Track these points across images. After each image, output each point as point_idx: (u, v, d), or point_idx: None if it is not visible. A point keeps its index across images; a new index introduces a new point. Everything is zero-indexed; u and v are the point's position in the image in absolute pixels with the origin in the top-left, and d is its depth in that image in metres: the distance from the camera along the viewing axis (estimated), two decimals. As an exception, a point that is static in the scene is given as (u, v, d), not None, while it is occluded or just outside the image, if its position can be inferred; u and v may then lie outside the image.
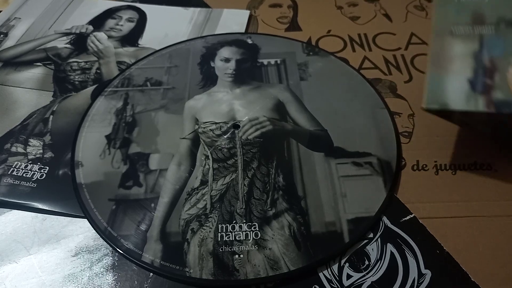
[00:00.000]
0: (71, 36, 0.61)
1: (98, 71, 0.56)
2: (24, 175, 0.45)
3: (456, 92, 0.37)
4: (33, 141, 0.48)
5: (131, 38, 0.61)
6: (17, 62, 0.57)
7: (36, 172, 0.45)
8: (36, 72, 0.56)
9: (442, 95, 0.37)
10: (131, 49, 0.59)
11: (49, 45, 0.60)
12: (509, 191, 0.43)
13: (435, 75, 0.38)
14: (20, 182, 0.44)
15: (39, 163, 0.46)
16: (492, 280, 0.37)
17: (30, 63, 0.57)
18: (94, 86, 0.54)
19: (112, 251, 0.39)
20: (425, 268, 0.38)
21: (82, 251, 0.40)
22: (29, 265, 0.39)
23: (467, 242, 0.40)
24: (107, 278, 0.38)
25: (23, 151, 0.47)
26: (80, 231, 0.41)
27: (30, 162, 0.46)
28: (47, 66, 0.57)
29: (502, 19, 0.37)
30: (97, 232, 0.40)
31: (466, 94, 0.36)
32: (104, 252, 0.39)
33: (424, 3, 0.68)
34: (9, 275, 0.38)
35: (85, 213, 0.41)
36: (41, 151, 0.47)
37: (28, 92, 0.54)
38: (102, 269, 0.38)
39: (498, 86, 0.36)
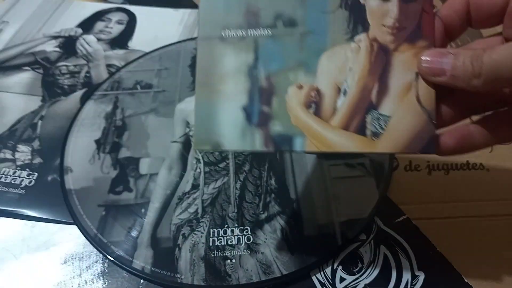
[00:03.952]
0: (60, 39, 0.60)
1: (87, 74, 0.55)
2: (12, 181, 0.44)
3: (231, 125, 0.29)
4: (21, 147, 0.47)
5: (121, 41, 0.60)
6: (5, 67, 0.56)
7: (24, 179, 0.44)
8: (24, 77, 0.55)
9: (214, 130, 0.29)
10: (120, 51, 0.58)
11: (37, 48, 0.59)
12: (502, 191, 0.43)
13: (204, 101, 0.29)
14: (8, 189, 0.43)
15: (27, 169, 0.45)
16: (485, 280, 0.37)
17: (18, 67, 0.56)
18: (84, 90, 0.53)
19: (102, 258, 0.39)
20: (419, 270, 0.38)
21: (71, 258, 0.39)
22: (18, 273, 0.38)
23: (460, 242, 0.40)
24: (97, 285, 0.37)
25: (11, 157, 0.46)
26: (69, 238, 0.40)
27: (19, 168, 0.45)
28: (36, 70, 0.56)
29: (279, 16, 0.29)
30: (87, 239, 0.40)
31: (241, 127, 0.29)
32: (94, 259, 0.39)
33: None
34: (-3, 284, 0.38)
35: (75, 220, 0.41)
36: (30, 157, 0.46)
37: (16, 97, 0.53)
38: (92, 277, 0.38)
39: (276, 115, 0.29)
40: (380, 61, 0.28)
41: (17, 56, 0.58)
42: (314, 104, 0.29)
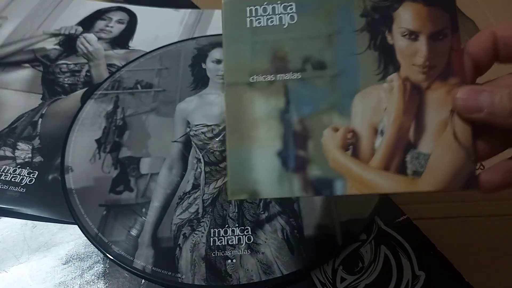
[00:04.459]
0: (60, 37, 0.60)
1: (88, 73, 0.55)
2: (12, 179, 0.44)
3: (266, 172, 0.29)
4: (21, 145, 0.47)
5: (122, 40, 0.60)
6: (4, 63, 0.56)
7: (25, 177, 0.44)
8: (24, 74, 0.55)
9: (249, 178, 0.29)
10: (121, 51, 0.58)
11: (37, 46, 0.59)
12: (502, 191, 0.43)
13: (236, 149, 0.29)
14: (8, 187, 0.43)
15: (28, 168, 0.45)
16: (485, 280, 0.37)
17: (17, 64, 0.56)
18: (84, 89, 0.53)
19: (103, 258, 0.39)
20: (419, 270, 0.38)
21: (73, 258, 0.39)
22: (19, 274, 0.38)
23: (460, 242, 0.40)
24: (98, 285, 0.37)
25: (11, 155, 0.46)
26: (70, 238, 0.40)
27: (19, 166, 0.45)
28: (36, 67, 0.56)
29: (308, 60, 0.29)
30: (88, 239, 0.40)
31: (278, 174, 0.29)
32: (95, 259, 0.39)
33: None
34: (-2, 284, 0.38)
35: (76, 219, 0.41)
36: (30, 155, 0.46)
37: (16, 94, 0.53)
38: (93, 277, 0.38)
39: (313, 159, 0.29)
40: (414, 100, 0.29)
41: (17, 53, 0.58)
42: (352, 146, 0.29)
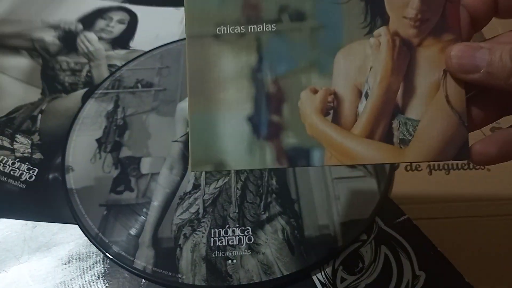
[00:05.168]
0: (60, 31, 0.59)
1: (88, 74, 0.55)
2: (11, 172, 0.44)
3: (235, 140, 0.25)
4: (20, 138, 0.47)
5: (122, 41, 0.60)
6: (2, 45, 0.56)
7: (24, 172, 0.44)
8: (22, 62, 0.55)
9: (214, 147, 0.25)
10: (122, 52, 0.58)
11: (35, 35, 0.58)
12: (502, 191, 0.43)
13: (200, 113, 0.25)
14: (7, 180, 0.44)
15: (27, 163, 0.45)
16: (486, 280, 0.37)
17: (16, 49, 0.56)
18: (85, 90, 0.53)
19: (104, 258, 0.39)
20: (419, 270, 0.38)
21: (73, 258, 0.39)
22: (19, 274, 0.38)
23: (460, 242, 0.40)
24: (98, 285, 0.37)
25: (9, 146, 0.46)
26: (71, 238, 0.40)
27: (18, 160, 0.45)
28: (34, 58, 0.55)
29: (284, 9, 0.26)
30: (88, 239, 0.40)
31: (248, 142, 0.25)
32: (95, 260, 0.39)
33: None
34: (-1, 284, 0.38)
35: (76, 219, 0.41)
36: (29, 150, 0.46)
37: (14, 82, 0.52)
38: (93, 277, 0.38)
39: (288, 125, 0.25)
40: (404, 58, 0.25)
41: (14, 36, 0.57)
42: (332, 110, 0.25)
